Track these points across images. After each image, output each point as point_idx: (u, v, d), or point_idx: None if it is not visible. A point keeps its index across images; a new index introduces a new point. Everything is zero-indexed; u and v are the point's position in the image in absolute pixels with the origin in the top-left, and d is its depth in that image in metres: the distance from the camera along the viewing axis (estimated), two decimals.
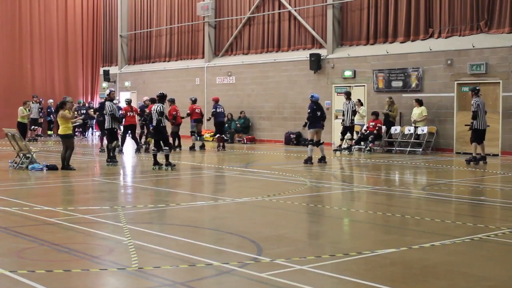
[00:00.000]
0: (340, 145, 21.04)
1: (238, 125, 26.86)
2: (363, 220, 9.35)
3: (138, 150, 20.39)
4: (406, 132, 21.29)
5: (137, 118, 20.99)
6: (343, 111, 20.51)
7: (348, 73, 23.54)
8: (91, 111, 30.61)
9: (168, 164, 15.45)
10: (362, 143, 21.60)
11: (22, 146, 15.80)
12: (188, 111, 22.31)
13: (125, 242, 7.35)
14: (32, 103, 26.91)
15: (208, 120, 22.31)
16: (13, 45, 29.71)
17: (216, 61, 28.99)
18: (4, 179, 14.12)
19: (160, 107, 15.75)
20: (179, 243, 7.45)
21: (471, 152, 17.72)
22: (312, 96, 17.48)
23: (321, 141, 17.39)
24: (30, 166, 15.22)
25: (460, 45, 20.65)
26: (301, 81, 25.13)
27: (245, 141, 26.37)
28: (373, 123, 21.40)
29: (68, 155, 15.39)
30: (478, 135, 17.22)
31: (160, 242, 7.40)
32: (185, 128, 24.79)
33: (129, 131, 20.66)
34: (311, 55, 24.43)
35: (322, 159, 17.18)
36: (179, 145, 21.78)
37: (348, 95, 20.55)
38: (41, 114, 28.22)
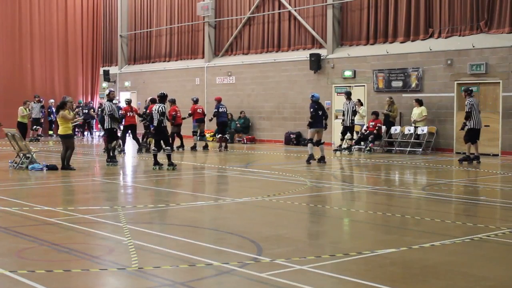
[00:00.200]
0: (340, 145, 21.06)
1: (238, 125, 26.85)
2: (363, 220, 9.34)
3: (140, 150, 20.38)
4: (406, 132, 21.28)
5: (137, 118, 20.98)
6: (343, 111, 20.51)
7: (348, 73, 23.53)
8: (92, 111, 30.66)
9: (171, 164, 15.46)
10: (362, 143, 21.61)
11: (22, 146, 15.79)
12: (190, 111, 22.32)
13: (125, 242, 7.34)
14: (34, 103, 26.93)
15: (210, 120, 22.29)
16: (13, 45, 29.69)
17: (216, 61, 28.98)
18: (4, 179, 14.11)
19: (161, 108, 15.76)
20: (179, 243, 7.45)
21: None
22: (312, 96, 17.50)
23: (321, 141, 17.40)
24: (30, 166, 15.22)
25: (460, 45, 20.65)
26: (301, 81, 25.13)
27: (245, 141, 26.36)
28: (373, 123, 21.40)
29: (69, 155, 15.40)
30: (472, 135, 17.28)
31: (160, 242, 7.40)
32: (187, 128, 24.80)
33: (129, 131, 20.68)
34: (311, 55, 24.42)
35: (322, 159, 17.17)
36: (182, 145, 21.76)
37: (348, 95, 20.55)
38: (41, 114, 28.21)
